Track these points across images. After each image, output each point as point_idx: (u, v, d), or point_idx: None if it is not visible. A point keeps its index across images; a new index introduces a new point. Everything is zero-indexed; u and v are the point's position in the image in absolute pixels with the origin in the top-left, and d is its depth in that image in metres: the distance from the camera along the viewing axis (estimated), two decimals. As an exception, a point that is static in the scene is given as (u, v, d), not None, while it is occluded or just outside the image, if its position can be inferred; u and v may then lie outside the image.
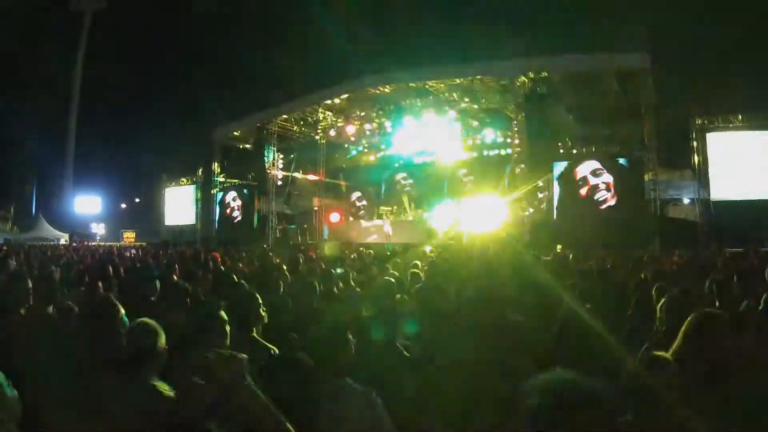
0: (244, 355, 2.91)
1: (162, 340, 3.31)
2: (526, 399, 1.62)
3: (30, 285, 5.46)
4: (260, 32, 53.07)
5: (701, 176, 26.65)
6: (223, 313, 4.04)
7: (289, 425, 2.59)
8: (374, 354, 4.04)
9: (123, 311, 4.09)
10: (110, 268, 8.60)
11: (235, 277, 7.90)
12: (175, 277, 8.05)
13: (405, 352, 4.22)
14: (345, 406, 3.12)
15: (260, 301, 4.71)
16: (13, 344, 4.25)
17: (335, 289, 7.53)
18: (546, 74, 26.51)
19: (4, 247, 23.27)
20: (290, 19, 47.34)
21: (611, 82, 26.26)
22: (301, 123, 36.54)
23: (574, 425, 1.54)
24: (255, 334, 4.57)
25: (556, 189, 26.55)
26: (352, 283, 8.05)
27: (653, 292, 6.40)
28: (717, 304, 5.82)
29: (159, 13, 54.14)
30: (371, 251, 17.79)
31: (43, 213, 50.40)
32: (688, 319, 3.56)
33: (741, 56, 30.72)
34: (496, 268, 9.88)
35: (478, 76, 28.74)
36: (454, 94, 31.70)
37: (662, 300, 5.13)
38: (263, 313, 4.69)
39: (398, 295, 6.54)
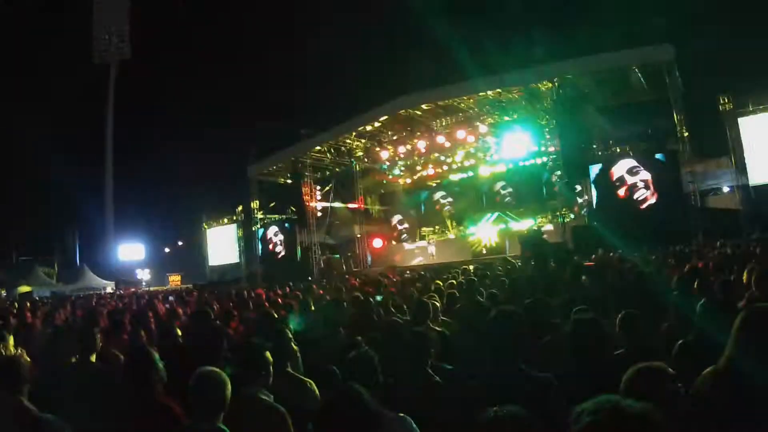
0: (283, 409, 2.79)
1: (229, 389, 3.35)
2: (574, 424, 1.63)
3: (76, 336, 5.61)
4: (287, 68, 53.80)
5: (737, 162, 26.17)
6: (268, 355, 4.08)
7: None
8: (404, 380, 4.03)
9: (158, 359, 4.15)
10: (150, 314, 8.75)
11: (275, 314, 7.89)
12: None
13: (436, 378, 4.15)
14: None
15: (290, 336, 4.73)
16: (63, 394, 4.38)
17: (375, 317, 7.52)
18: (571, 77, 26.29)
19: (50, 301, 23.77)
20: (314, 50, 47.92)
21: (638, 77, 25.99)
22: (335, 153, 36.73)
23: None
24: (290, 369, 4.58)
25: (594, 192, 26.19)
26: (392, 309, 7.99)
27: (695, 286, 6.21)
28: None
29: (184, 55, 55.50)
30: (422, 272, 17.75)
31: (87, 263, 51.33)
32: (741, 316, 3.02)
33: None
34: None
35: (504, 88, 28.65)
36: (485, 108, 31.68)
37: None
38: (295, 348, 4.72)
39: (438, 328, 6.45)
